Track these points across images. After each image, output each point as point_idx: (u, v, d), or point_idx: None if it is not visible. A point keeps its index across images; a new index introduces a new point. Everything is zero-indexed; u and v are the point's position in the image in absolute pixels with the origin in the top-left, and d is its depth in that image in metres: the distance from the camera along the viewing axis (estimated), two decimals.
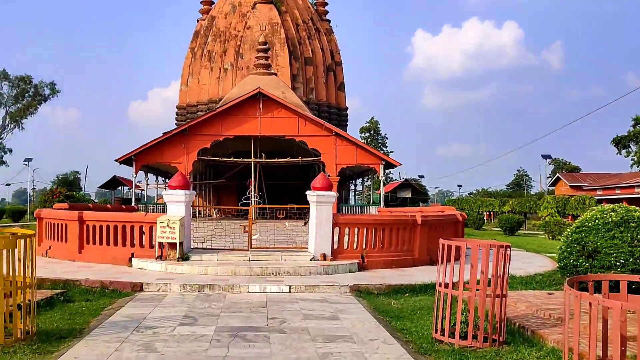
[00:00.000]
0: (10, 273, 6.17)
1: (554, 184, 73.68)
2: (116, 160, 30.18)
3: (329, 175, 25.32)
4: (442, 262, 6.61)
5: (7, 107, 55.88)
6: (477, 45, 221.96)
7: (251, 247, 12.82)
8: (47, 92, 56.76)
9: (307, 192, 12.70)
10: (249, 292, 9.93)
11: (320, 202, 12.44)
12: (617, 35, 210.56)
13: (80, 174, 75.59)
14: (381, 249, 13.03)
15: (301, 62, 39.44)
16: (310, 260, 12.17)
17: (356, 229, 12.91)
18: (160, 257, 12.08)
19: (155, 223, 12.16)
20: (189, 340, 6.56)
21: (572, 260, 10.47)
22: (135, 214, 17.03)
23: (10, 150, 58.35)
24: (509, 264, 6.41)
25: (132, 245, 12.67)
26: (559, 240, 32.22)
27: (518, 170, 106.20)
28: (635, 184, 53.40)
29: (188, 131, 29.56)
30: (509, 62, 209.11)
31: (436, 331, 6.62)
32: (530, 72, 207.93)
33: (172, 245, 12.06)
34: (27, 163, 57.08)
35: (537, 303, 8.09)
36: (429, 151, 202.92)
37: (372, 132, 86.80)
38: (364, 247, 12.77)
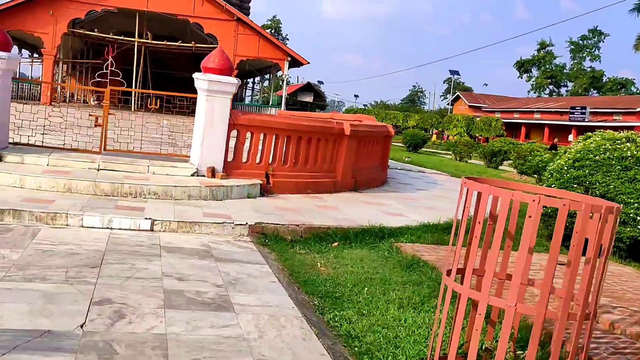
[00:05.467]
0: None
1: (452, 102, 72.48)
2: None
3: None
4: (458, 225, 3.16)
5: None
6: None
7: (104, 149, 8.71)
8: None
9: (196, 75, 8.54)
10: (82, 226, 6.01)
11: (213, 92, 8.42)
12: None
13: None
14: (293, 165, 9.42)
15: None
16: (192, 175, 8.33)
17: (261, 136, 9.11)
18: None
19: None
20: None
21: None
22: None
23: None
24: None
25: None
26: (467, 162, 30.09)
27: (414, 86, 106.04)
28: (535, 109, 53.13)
29: None
30: None
31: None
32: None
33: None
34: None
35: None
36: (327, 58, 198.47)
37: (272, 31, 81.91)
38: (269, 161, 9.10)
